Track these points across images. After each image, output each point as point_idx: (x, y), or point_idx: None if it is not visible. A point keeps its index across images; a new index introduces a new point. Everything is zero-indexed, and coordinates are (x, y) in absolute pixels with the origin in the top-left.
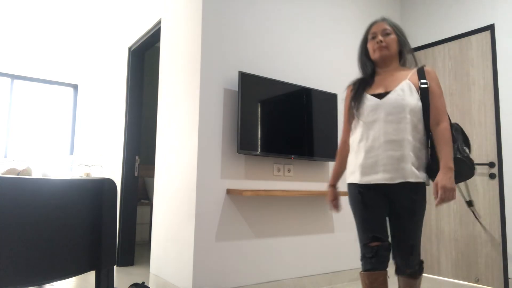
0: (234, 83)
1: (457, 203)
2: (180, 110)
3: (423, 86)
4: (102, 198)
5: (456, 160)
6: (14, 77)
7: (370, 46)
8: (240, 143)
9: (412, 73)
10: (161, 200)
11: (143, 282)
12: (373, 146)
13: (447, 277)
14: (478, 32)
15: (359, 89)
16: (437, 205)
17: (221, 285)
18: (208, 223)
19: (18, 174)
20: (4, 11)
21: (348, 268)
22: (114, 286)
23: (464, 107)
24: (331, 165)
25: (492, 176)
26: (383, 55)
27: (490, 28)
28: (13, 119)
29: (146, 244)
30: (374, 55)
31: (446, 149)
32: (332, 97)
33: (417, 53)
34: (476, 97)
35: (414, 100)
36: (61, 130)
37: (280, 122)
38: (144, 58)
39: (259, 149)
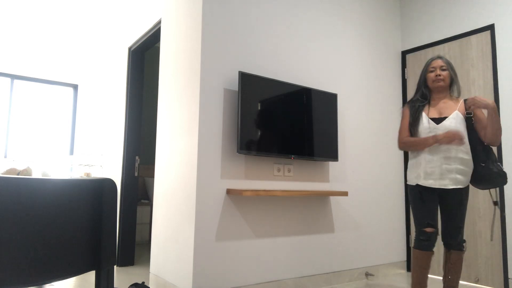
0: (234, 83)
1: None
2: (180, 110)
3: (468, 115)
4: (102, 198)
5: (494, 174)
6: (14, 77)
7: (429, 77)
8: (240, 143)
9: (460, 103)
10: (161, 200)
11: (143, 282)
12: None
13: None
14: (478, 32)
15: (418, 111)
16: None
17: (221, 285)
18: (208, 223)
19: (18, 174)
20: (4, 11)
21: (348, 268)
22: (114, 286)
23: None
24: (331, 165)
25: None
26: (439, 85)
27: (490, 28)
28: (13, 119)
29: (146, 244)
30: (433, 84)
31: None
32: (332, 97)
33: (417, 53)
34: None
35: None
36: (61, 130)
37: (280, 122)
38: (144, 58)
39: (259, 149)
